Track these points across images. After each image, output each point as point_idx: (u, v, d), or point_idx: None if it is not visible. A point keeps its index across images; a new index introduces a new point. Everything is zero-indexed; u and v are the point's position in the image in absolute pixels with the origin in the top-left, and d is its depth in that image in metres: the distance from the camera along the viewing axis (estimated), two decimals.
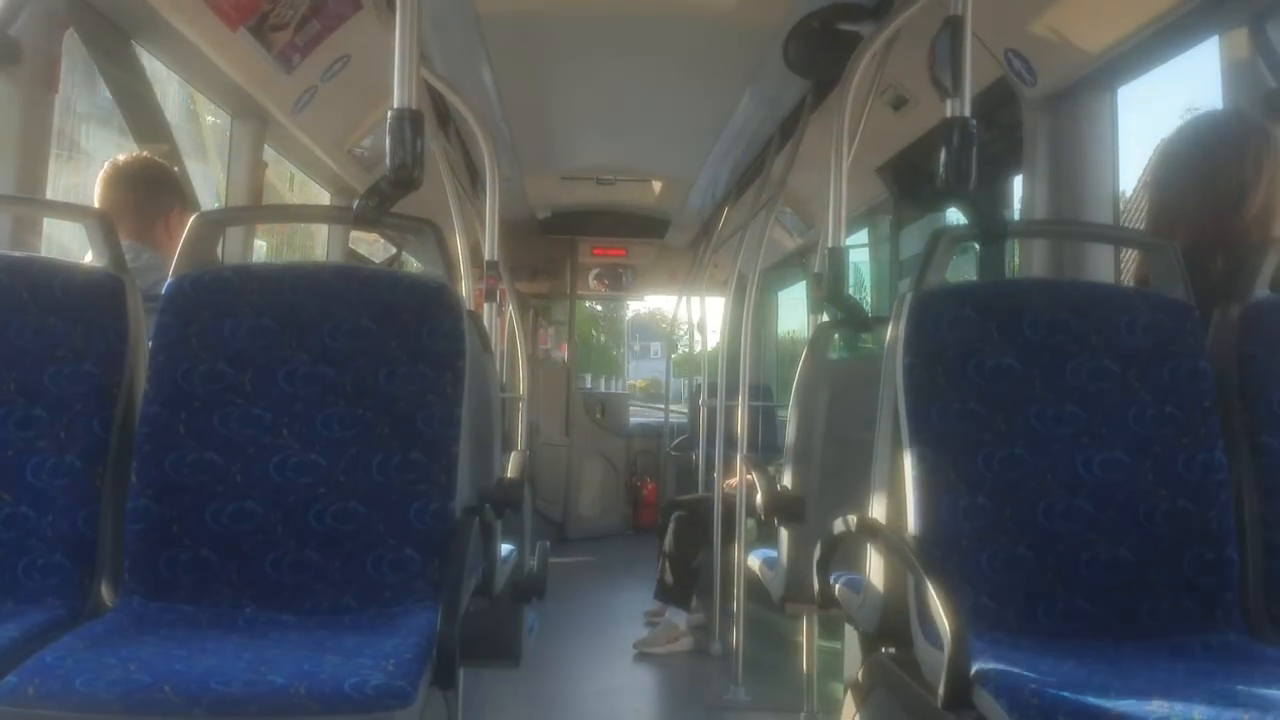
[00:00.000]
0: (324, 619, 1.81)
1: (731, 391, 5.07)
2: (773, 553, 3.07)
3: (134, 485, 1.86)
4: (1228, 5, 2.46)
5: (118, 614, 1.77)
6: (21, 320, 1.93)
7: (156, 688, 1.44)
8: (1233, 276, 2.02)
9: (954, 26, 1.92)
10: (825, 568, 2.15)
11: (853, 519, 1.95)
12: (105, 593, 1.86)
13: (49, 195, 2.63)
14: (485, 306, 3.88)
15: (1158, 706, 1.43)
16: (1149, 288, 2.02)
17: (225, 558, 1.86)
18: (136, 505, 1.86)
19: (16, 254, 2.34)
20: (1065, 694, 1.45)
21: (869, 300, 5.88)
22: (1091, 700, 1.44)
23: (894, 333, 1.92)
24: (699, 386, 7.56)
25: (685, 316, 8.58)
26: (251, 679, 1.47)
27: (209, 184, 4.03)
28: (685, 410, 9.34)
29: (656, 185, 7.02)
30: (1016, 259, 3.78)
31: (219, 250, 2.18)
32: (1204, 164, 2.15)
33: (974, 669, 1.54)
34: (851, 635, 2.78)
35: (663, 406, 9.43)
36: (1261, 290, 1.94)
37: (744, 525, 4.45)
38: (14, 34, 2.46)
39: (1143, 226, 2.30)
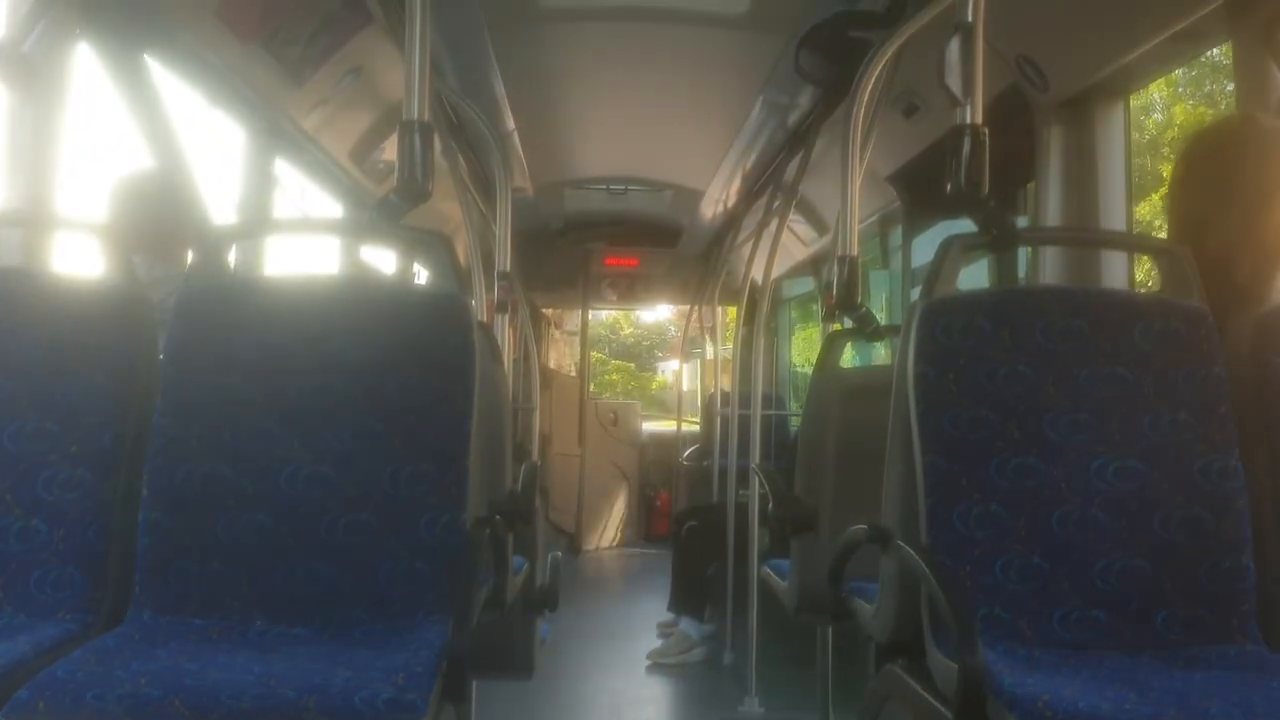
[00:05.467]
0: (335, 632, 1.81)
1: (745, 400, 5.06)
2: (785, 563, 3.06)
3: (145, 498, 1.86)
4: (1242, 10, 2.44)
5: (128, 627, 1.77)
6: (33, 334, 1.94)
7: (167, 702, 1.43)
8: (1258, 281, 2.00)
9: (965, 33, 1.91)
10: (838, 577, 2.14)
11: (865, 528, 1.94)
12: (116, 606, 1.86)
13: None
14: (498, 317, 3.88)
15: (1174, 718, 1.41)
16: (1163, 293, 2.01)
17: (236, 571, 1.86)
18: (147, 518, 1.86)
19: (27, 268, 2.35)
20: (1080, 705, 1.44)
21: (881, 308, 5.87)
22: (1106, 712, 1.42)
23: (905, 341, 1.91)
24: (712, 396, 7.55)
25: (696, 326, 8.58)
26: (262, 693, 1.47)
27: None
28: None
29: (668, 194, 7.02)
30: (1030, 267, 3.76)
31: (230, 263, 2.18)
32: (1227, 169, 2.14)
33: (988, 680, 1.53)
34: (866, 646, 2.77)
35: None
36: None
37: (757, 535, 4.43)
38: (26, 49, 2.47)
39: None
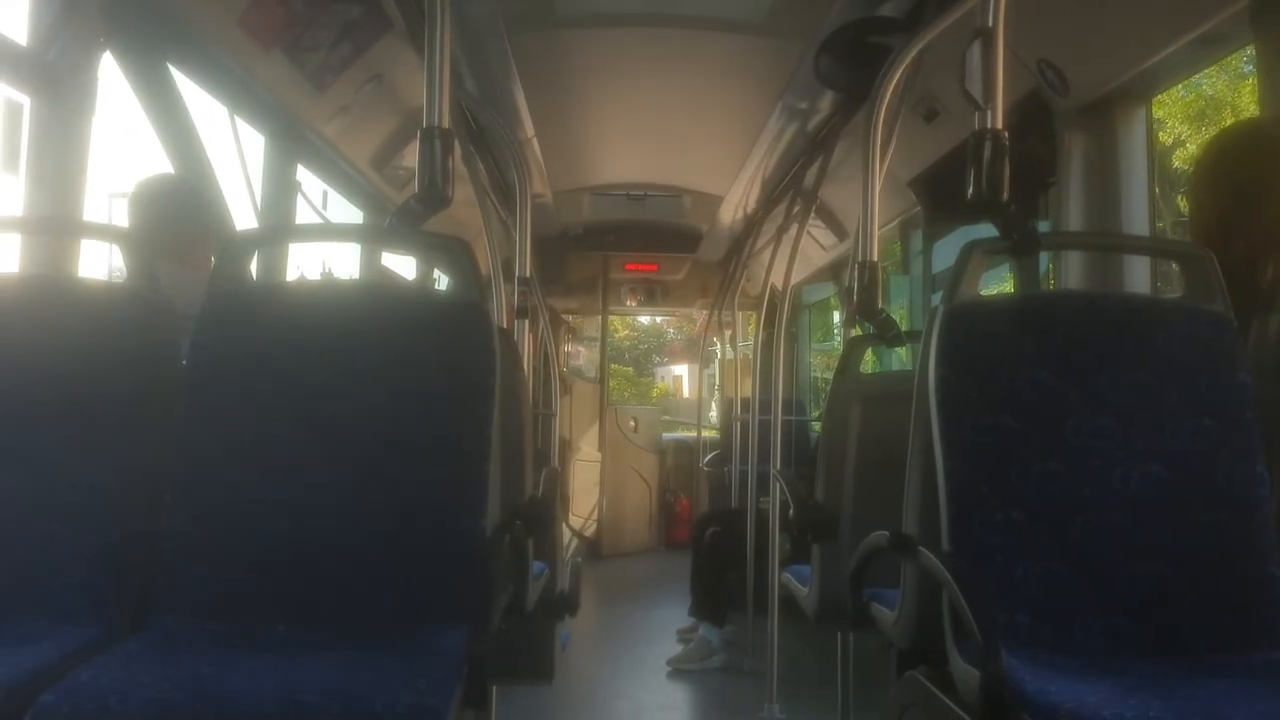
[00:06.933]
0: (356, 637, 1.81)
1: (765, 406, 5.05)
2: (806, 569, 3.05)
3: (168, 504, 1.87)
4: (1266, 12, 2.43)
5: (151, 633, 1.77)
6: (57, 340, 1.95)
7: (189, 707, 1.44)
8: None
9: (985, 38, 1.90)
10: (859, 584, 2.13)
11: (886, 534, 1.93)
12: (139, 612, 1.86)
13: None
14: (517, 323, 3.89)
15: None
16: (1186, 298, 1.99)
17: (258, 576, 1.87)
18: (171, 524, 1.86)
19: (52, 275, 2.37)
20: (1104, 713, 1.43)
21: (902, 314, 5.85)
22: None
23: (926, 346, 1.90)
24: (731, 402, 7.54)
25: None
26: (283, 698, 1.47)
27: None
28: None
29: (688, 200, 7.02)
30: (1054, 272, 3.75)
31: (252, 269, 2.20)
32: (1250, 171, 2.12)
33: (1010, 687, 1.52)
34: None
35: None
36: None
37: (777, 541, 4.42)
38: (51, 58, 2.49)
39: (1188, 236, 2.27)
